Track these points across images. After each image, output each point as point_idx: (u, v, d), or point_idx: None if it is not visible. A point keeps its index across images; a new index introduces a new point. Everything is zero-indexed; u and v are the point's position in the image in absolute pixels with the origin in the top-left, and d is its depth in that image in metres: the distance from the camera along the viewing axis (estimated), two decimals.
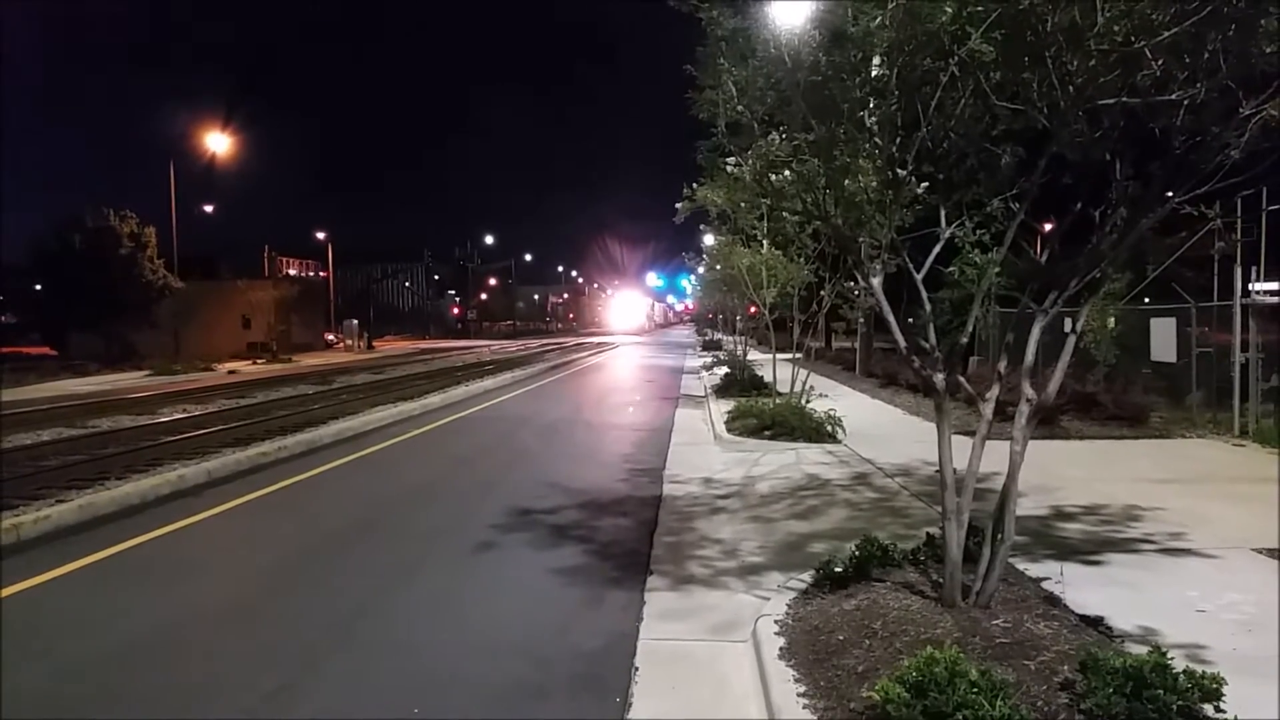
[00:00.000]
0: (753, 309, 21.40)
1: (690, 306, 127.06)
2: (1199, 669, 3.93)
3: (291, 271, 73.50)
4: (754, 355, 29.27)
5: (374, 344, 68.72)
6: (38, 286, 52.12)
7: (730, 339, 41.10)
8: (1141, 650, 4.20)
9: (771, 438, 13.99)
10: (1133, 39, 4.43)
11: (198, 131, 47.74)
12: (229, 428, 16.58)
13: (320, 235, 72.94)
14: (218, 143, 47.75)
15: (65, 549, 8.15)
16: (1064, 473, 10.56)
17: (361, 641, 5.80)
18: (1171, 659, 3.94)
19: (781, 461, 12.22)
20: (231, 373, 36.82)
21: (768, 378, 20.47)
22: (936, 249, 5.65)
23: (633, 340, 77.29)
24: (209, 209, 60.42)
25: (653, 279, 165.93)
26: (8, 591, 6.89)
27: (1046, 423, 13.39)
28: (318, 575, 7.41)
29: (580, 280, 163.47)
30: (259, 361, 44.95)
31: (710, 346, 48.77)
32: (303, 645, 5.73)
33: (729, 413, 16.36)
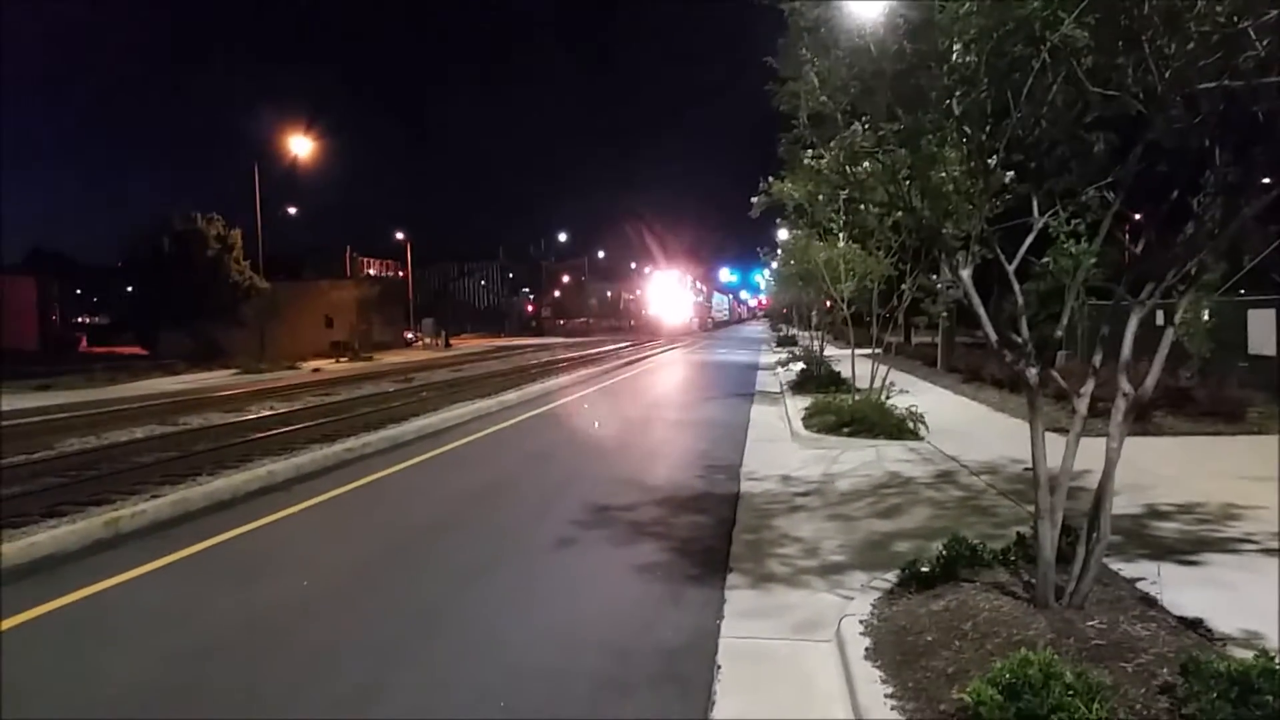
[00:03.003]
0: (829, 303, 21.17)
1: (764, 302, 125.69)
2: None
3: (372, 271, 74.94)
4: (830, 351, 28.98)
5: (451, 342, 69.76)
6: (129, 288, 54.09)
7: (806, 334, 40.74)
8: (1245, 654, 4.05)
9: (851, 434, 13.80)
10: (1235, 19, 4.26)
11: (283, 134, 48.77)
12: (315, 424, 16.99)
13: (399, 235, 74.33)
14: (301, 145, 48.77)
15: (162, 543, 8.41)
16: (1157, 470, 10.23)
17: (447, 635, 5.88)
18: None
19: (862, 459, 12.07)
20: (315, 371, 37.72)
21: (845, 374, 20.23)
22: (1029, 239, 5.50)
23: (700, 339, 76.45)
24: (293, 211, 62.01)
25: (726, 274, 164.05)
26: (110, 583, 7.15)
27: (1138, 419, 12.93)
28: (404, 569, 7.54)
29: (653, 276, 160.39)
30: (341, 360, 45.96)
31: (785, 342, 48.41)
32: (390, 638, 5.82)
33: (806, 409, 16.18)
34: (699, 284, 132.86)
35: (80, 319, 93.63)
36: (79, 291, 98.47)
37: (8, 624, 6.13)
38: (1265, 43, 4.23)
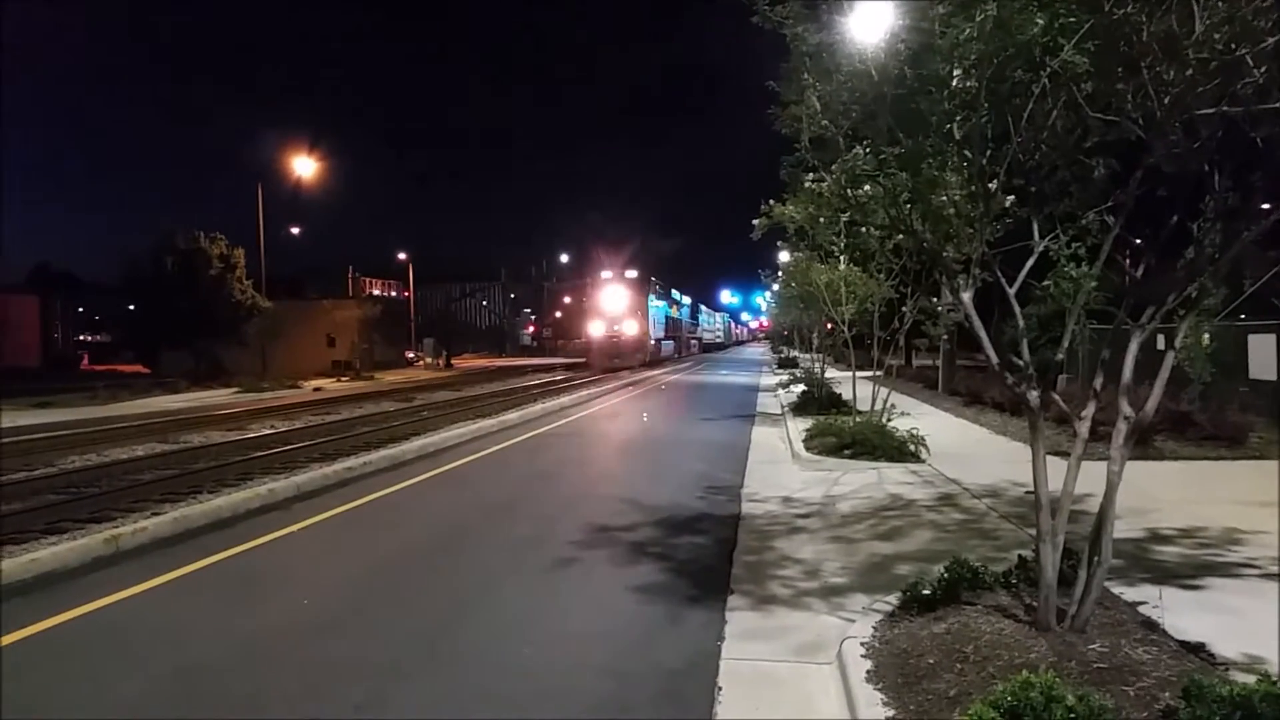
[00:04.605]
0: (830, 326, 21.21)
1: (765, 324, 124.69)
2: None
3: (374, 291, 75.17)
4: (831, 373, 29.00)
5: (453, 362, 69.79)
6: (131, 307, 54.16)
7: (807, 356, 40.76)
8: (1248, 679, 4.03)
9: (852, 456, 13.79)
10: (1233, 46, 4.31)
11: (286, 154, 48.87)
12: (316, 443, 16.99)
13: (402, 256, 74.54)
14: (305, 166, 48.87)
15: (163, 560, 8.39)
16: (1159, 494, 10.22)
17: (446, 655, 5.87)
18: None
19: (863, 481, 12.06)
20: (317, 390, 37.72)
21: (846, 396, 20.23)
22: (1030, 262, 5.53)
23: (707, 360, 75.18)
24: (296, 231, 62.09)
25: (727, 296, 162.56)
26: (111, 599, 7.14)
27: (1139, 443, 12.91)
28: (404, 589, 7.53)
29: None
30: (343, 379, 46.02)
31: (786, 364, 48.44)
32: (391, 658, 5.80)
33: (807, 431, 16.18)
34: (675, 292, 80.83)
35: (82, 337, 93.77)
36: (81, 309, 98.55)
37: (8, 639, 6.12)
38: (1263, 70, 4.28)
